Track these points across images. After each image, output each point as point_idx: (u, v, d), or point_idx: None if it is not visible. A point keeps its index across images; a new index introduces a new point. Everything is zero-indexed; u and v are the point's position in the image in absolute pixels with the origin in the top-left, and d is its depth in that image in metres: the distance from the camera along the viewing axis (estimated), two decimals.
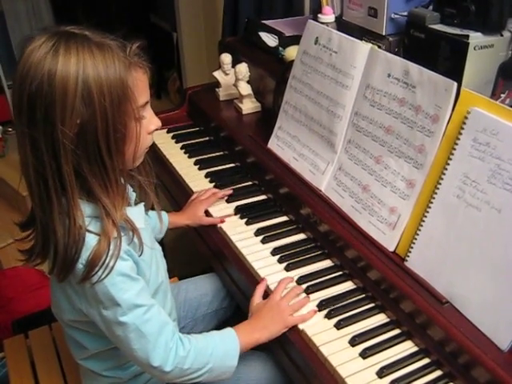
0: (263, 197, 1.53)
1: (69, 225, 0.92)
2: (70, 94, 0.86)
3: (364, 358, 1.04)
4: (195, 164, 1.69)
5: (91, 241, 0.94)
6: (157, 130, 1.04)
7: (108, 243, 0.93)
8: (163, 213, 1.42)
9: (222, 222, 1.43)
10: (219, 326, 1.40)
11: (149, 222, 1.20)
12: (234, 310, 1.45)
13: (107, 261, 0.93)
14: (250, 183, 1.59)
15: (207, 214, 1.47)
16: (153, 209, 1.21)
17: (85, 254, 0.93)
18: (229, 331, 1.12)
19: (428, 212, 1.11)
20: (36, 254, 1.00)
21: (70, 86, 0.86)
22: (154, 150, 1.79)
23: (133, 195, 1.10)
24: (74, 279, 0.96)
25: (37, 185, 0.92)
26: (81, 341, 1.10)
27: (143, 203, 1.11)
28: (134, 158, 1.01)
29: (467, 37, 1.19)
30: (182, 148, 1.78)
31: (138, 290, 0.98)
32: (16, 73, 0.90)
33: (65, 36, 0.89)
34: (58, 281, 0.97)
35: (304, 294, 1.19)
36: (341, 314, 1.14)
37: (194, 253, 1.72)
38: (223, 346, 1.09)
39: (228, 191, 1.52)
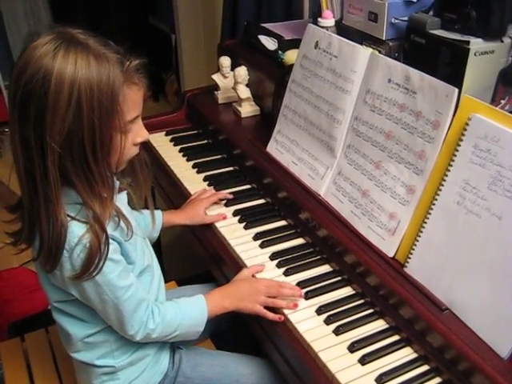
0: (262, 201, 1.53)
1: (52, 222, 0.95)
2: (62, 102, 0.89)
3: (363, 364, 1.04)
4: (193, 167, 1.69)
5: (79, 240, 0.97)
6: (143, 142, 1.07)
7: (98, 245, 0.97)
8: (157, 211, 1.42)
9: (225, 218, 1.43)
10: (217, 334, 1.40)
11: (137, 216, 1.23)
12: (230, 320, 1.43)
13: (99, 263, 0.98)
14: (248, 187, 1.59)
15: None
16: (146, 208, 1.25)
17: (75, 253, 0.97)
18: (199, 300, 1.19)
19: (428, 218, 1.11)
20: (22, 239, 1.04)
21: (63, 94, 0.89)
22: (152, 152, 1.78)
23: (116, 183, 1.11)
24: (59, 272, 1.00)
25: (26, 180, 0.95)
26: (66, 328, 1.12)
27: (126, 191, 1.15)
28: (117, 166, 1.04)
29: (468, 42, 1.19)
30: (180, 151, 1.77)
31: (119, 271, 1.03)
32: (15, 65, 0.92)
33: (66, 41, 0.91)
34: (46, 271, 1.01)
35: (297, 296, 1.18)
36: (339, 320, 1.13)
37: (192, 256, 1.72)
38: (191, 316, 1.17)
39: (229, 195, 1.51)
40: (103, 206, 0.98)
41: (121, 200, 1.11)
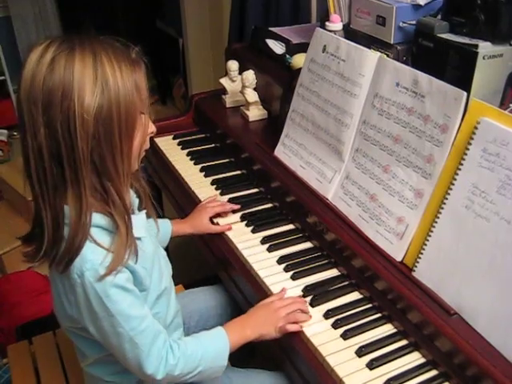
0: (269, 205, 1.53)
1: (80, 206, 0.93)
2: (88, 78, 0.89)
3: (371, 369, 1.04)
4: (201, 171, 1.69)
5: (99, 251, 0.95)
6: (153, 134, 1.07)
7: (126, 241, 0.96)
8: (166, 220, 1.41)
9: (230, 229, 1.42)
10: None
11: (152, 228, 1.20)
12: None
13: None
14: (256, 191, 1.59)
15: (213, 221, 1.46)
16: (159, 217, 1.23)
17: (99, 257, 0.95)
18: (219, 332, 1.13)
19: (436, 222, 1.10)
20: (41, 256, 0.99)
21: (88, 70, 0.89)
22: (159, 156, 1.79)
23: (135, 201, 1.10)
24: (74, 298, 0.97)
25: (50, 169, 0.92)
26: (80, 347, 1.11)
27: (145, 211, 1.13)
28: (138, 155, 1.02)
29: (476, 46, 1.19)
30: (187, 155, 1.78)
31: (130, 300, 0.99)
32: (22, 77, 0.90)
33: (76, 37, 0.92)
34: (59, 272, 0.97)
35: (306, 312, 1.17)
36: (347, 324, 1.13)
37: (199, 260, 1.71)
38: (213, 348, 1.10)
39: (235, 206, 1.49)
40: (124, 194, 0.98)
41: (139, 221, 1.08)
